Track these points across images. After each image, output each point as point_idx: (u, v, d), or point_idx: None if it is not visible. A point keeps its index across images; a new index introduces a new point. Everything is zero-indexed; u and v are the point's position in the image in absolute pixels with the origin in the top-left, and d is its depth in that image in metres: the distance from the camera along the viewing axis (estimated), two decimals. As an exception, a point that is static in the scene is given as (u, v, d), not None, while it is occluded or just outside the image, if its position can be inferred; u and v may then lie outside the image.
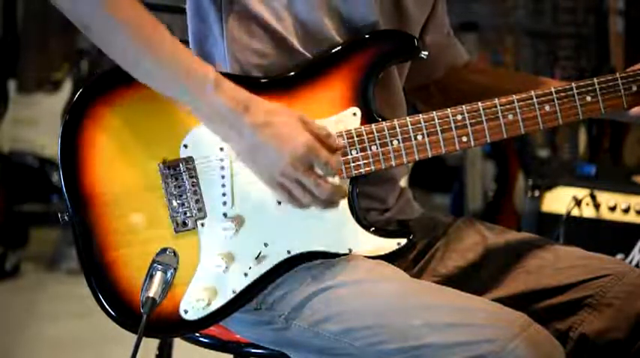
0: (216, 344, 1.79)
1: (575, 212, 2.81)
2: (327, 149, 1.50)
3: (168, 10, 2.06)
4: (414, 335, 1.45)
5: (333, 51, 1.60)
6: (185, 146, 1.56)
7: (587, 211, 2.81)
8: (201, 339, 1.80)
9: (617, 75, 1.62)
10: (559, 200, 2.86)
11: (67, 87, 4.75)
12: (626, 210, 2.77)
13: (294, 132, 1.48)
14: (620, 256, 2.72)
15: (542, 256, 1.69)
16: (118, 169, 1.55)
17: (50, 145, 4.57)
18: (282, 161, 1.47)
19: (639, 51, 4.29)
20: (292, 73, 1.59)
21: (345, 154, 1.57)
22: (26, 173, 4.77)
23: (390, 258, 1.59)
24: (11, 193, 4.68)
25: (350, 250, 1.58)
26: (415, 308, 1.49)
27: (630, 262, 2.71)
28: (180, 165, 1.55)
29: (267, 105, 1.50)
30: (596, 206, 2.80)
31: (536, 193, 2.90)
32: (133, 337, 1.49)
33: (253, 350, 1.74)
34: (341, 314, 1.52)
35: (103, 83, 1.56)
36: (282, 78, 1.59)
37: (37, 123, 4.68)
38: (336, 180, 1.52)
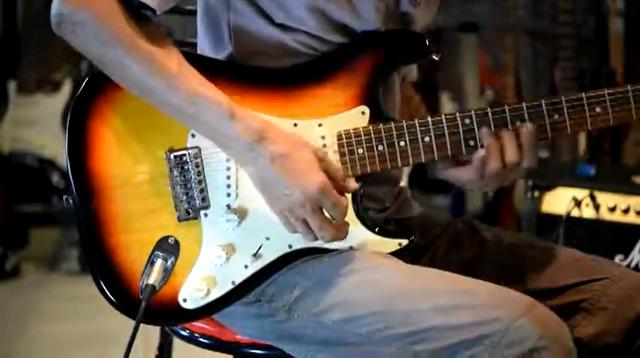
0: (216, 345, 1.79)
1: (575, 213, 2.81)
2: (338, 191, 1.50)
3: (168, 11, 2.05)
4: (420, 319, 1.46)
5: (344, 49, 1.59)
6: (193, 135, 1.56)
7: (587, 212, 2.81)
8: (200, 339, 1.79)
9: (629, 87, 1.59)
10: (559, 200, 2.86)
11: (67, 87, 4.75)
12: (626, 211, 2.77)
13: (310, 170, 1.48)
14: (619, 257, 2.72)
15: (538, 258, 1.69)
16: (125, 155, 1.56)
17: (50, 145, 4.57)
18: (292, 199, 1.47)
19: (639, 51, 4.29)
20: (302, 69, 1.59)
21: (351, 153, 1.57)
22: (26, 173, 4.77)
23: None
24: (11, 193, 4.68)
25: (351, 248, 1.58)
26: (419, 292, 1.49)
27: (630, 263, 2.71)
28: (187, 154, 1.56)
29: (283, 135, 1.50)
30: (596, 207, 2.80)
31: (536, 194, 2.90)
32: (133, 338, 1.49)
33: (253, 351, 1.74)
34: (345, 302, 1.52)
35: None
36: (292, 73, 1.59)
37: (37, 124, 4.68)
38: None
